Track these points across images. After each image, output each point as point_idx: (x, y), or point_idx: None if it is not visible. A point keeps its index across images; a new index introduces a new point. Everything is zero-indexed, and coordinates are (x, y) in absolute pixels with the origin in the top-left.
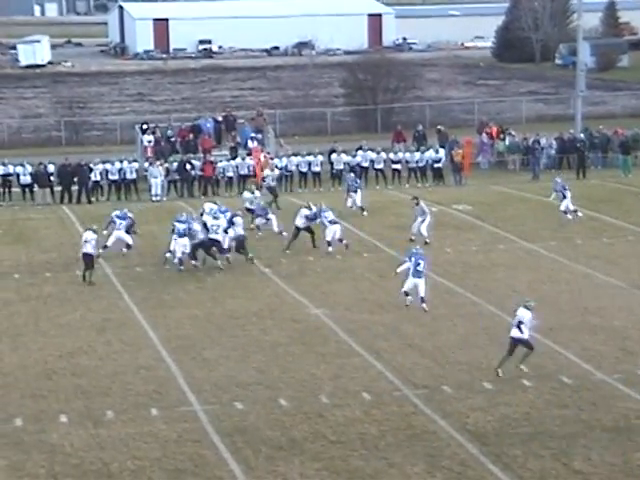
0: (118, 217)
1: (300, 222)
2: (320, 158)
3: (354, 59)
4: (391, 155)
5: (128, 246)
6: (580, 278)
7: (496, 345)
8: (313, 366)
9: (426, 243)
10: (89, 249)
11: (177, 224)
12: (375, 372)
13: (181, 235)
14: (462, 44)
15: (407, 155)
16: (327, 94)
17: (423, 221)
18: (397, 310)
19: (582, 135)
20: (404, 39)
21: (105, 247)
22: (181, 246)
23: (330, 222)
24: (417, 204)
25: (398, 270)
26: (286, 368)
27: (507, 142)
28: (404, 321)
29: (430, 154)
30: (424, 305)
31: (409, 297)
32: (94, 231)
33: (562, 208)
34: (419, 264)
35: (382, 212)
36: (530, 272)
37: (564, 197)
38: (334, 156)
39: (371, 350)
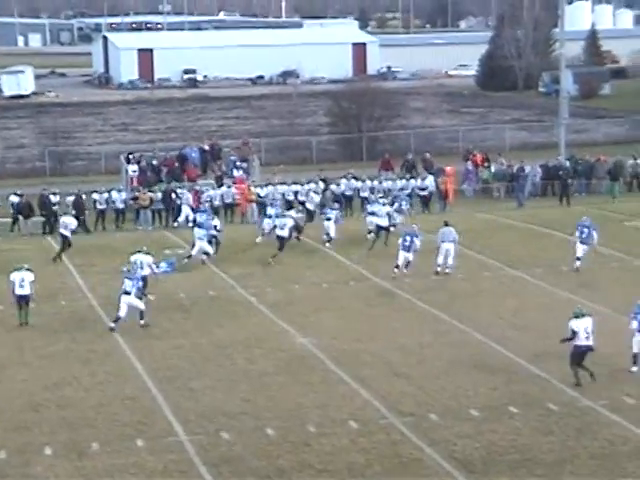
0: (128, 278)
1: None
2: (307, 187)
3: (339, 88)
4: (375, 183)
5: (141, 314)
6: (565, 305)
7: (482, 372)
8: (299, 395)
9: (445, 273)
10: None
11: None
12: (361, 400)
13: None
14: (446, 72)
15: (389, 183)
16: (312, 123)
17: (447, 250)
18: (383, 339)
19: (567, 162)
20: (388, 68)
21: (117, 319)
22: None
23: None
24: (446, 225)
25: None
26: (272, 397)
27: (492, 169)
28: (390, 349)
29: (417, 182)
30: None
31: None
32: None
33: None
34: (406, 240)
35: (368, 240)
36: (516, 299)
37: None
38: (344, 181)
39: (357, 378)
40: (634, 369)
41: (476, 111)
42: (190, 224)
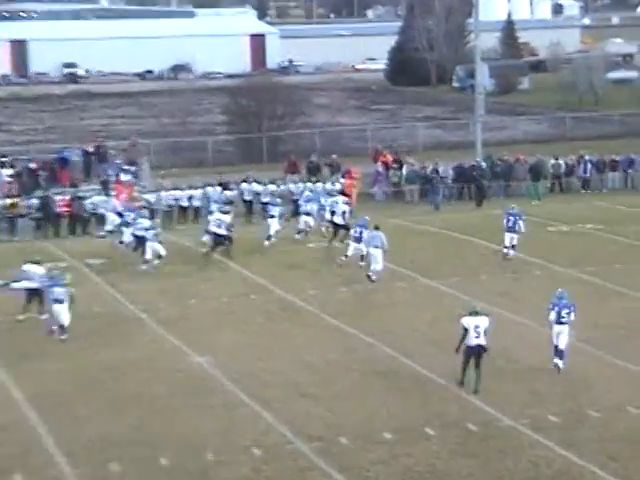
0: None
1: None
2: (199, 192)
3: (236, 83)
4: (282, 188)
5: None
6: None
7: (395, 391)
8: (197, 419)
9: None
10: None
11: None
12: (265, 424)
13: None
14: (353, 66)
15: (292, 187)
16: (207, 121)
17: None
18: (288, 356)
19: (484, 163)
20: (290, 61)
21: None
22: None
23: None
24: (377, 229)
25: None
26: (167, 423)
27: (404, 171)
28: (295, 368)
29: (325, 186)
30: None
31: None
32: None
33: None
34: (356, 231)
35: (270, 249)
36: (431, 311)
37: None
38: (244, 185)
39: (260, 400)
40: (560, 364)
41: (386, 108)
42: (124, 228)
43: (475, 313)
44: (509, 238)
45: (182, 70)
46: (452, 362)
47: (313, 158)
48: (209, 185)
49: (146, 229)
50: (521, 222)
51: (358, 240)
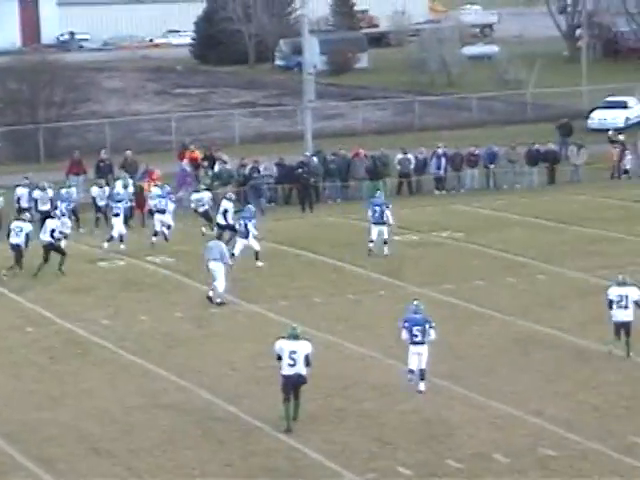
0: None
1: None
2: None
3: (2, 63)
4: (63, 192)
5: None
6: (321, 348)
7: (211, 442)
8: None
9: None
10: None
11: None
12: None
13: None
14: (151, 41)
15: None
16: None
17: None
18: (75, 404)
19: (315, 159)
20: (71, 34)
21: None
22: None
23: None
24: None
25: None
26: None
27: (217, 169)
28: (86, 417)
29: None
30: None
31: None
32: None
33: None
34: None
35: (51, 269)
36: (253, 343)
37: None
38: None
39: (41, 460)
40: (421, 387)
41: (194, 92)
42: None
43: (294, 337)
44: (376, 231)
45: None
46: (281, 405)
47: (103, 155)
48: None
49: None
50: (388, 212)
51: (245, 236)
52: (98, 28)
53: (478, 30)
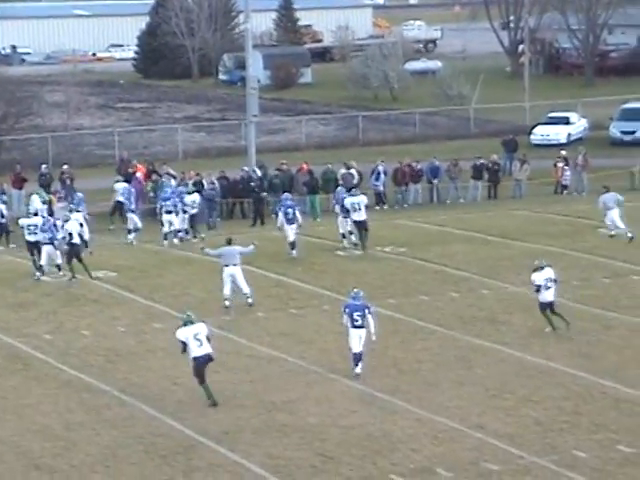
0: None
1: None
2: None
3: None
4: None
5: None
6: (264, 363)
7: (154, 459)
8: None
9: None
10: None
11: None
12: None
13: None
14: (94, 55)
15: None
16: None
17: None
18: (15, 419)
19: (259, 172)
20: (13, 48)
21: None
22: None
23: None
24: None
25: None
26: None
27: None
28: (26, 433)
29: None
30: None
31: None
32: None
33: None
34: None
35: None
36: None
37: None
38: None
39: None
40: (358, 370)
41: (137, 107)
42: None
43: (191, 322)
44: (292, 232)
45: None
46: (226, 420)
47: (44, 169)
48: None
49: None
50: (297, 212)
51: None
52: (40, 42)
53: (421, 45)
